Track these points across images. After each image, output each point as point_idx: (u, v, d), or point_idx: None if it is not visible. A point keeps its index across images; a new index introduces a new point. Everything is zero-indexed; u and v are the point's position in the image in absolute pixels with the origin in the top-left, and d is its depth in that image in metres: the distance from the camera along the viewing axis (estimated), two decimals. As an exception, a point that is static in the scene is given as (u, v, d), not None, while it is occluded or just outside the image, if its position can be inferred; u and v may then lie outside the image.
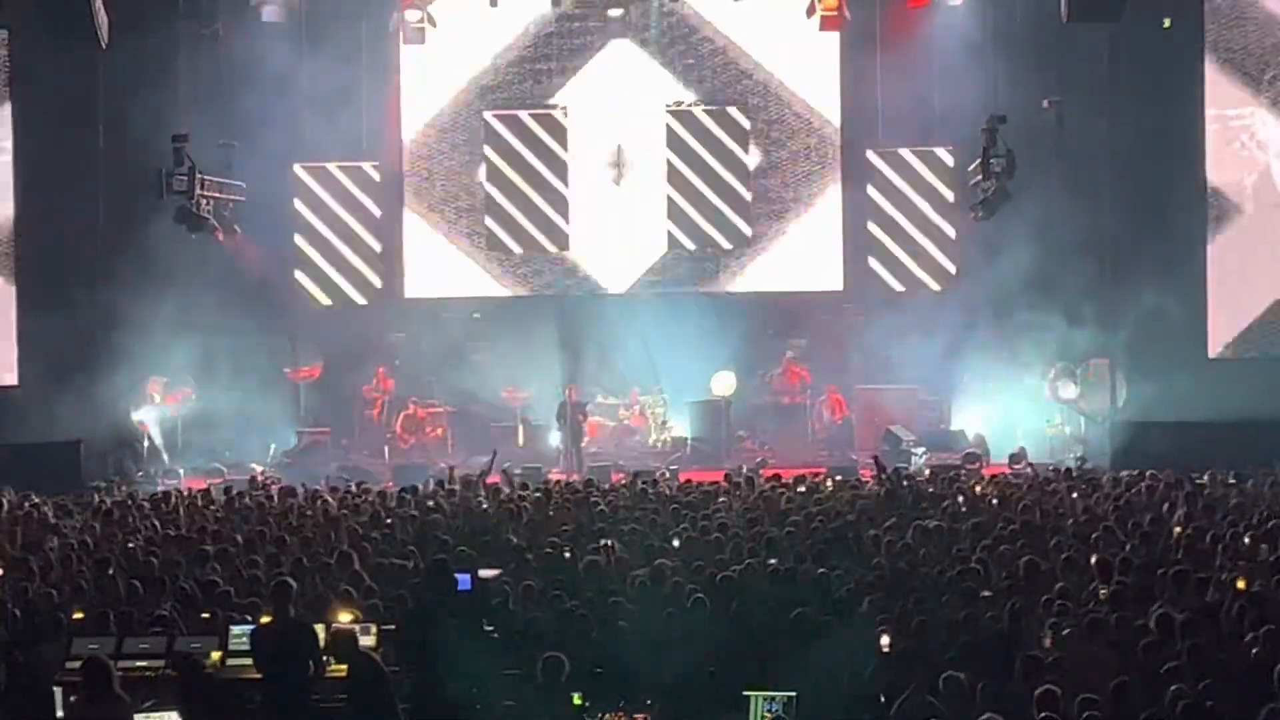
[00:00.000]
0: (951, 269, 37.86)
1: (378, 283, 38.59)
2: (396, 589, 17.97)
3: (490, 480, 28.22)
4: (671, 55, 38.43)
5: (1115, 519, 21.75)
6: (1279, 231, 35.92)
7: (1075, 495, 24.78)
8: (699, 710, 14.72)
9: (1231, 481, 25.88)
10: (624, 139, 38.50)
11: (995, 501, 24.61)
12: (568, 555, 19.99)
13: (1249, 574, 17.63)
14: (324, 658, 15.29)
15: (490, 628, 16.20)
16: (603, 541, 20.47)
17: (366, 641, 16.06)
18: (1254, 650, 14.56)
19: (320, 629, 15.65)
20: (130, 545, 21.45)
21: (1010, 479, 28.10)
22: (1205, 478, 25.97)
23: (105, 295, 35.19)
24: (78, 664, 15.17)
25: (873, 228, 38.18)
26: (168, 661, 15.56)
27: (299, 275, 38.46)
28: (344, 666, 15.00)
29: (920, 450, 33.83)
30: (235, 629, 16.27)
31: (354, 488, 27.40)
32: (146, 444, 34.99)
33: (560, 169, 38.53)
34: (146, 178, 33.64)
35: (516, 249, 38.65)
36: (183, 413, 35.86)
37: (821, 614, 16.39)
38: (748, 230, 38.44)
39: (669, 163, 38.40)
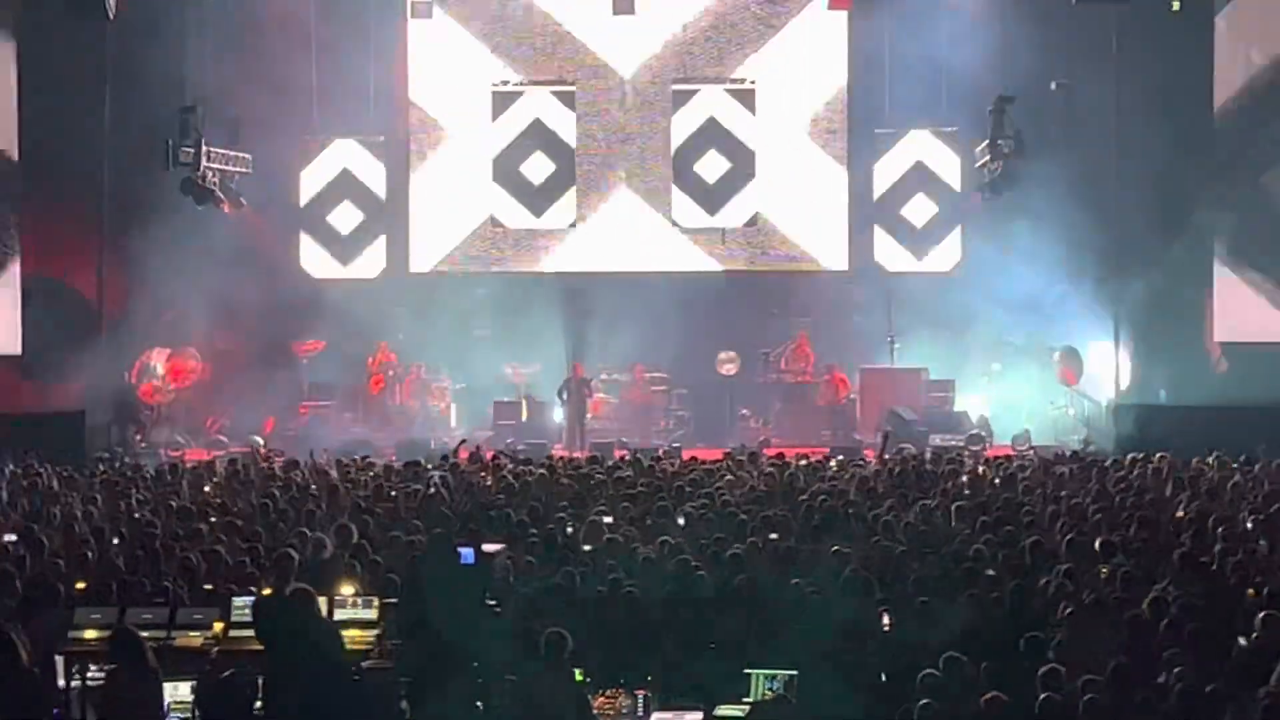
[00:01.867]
0: (957, 250, 37.86)
1: (383, 257, 38.59)
2: (399, 562, 17.99)
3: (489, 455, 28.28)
4: (678, 32, 38.36)
5: (1119, 501, 21.74)
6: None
7: (1079, 478, 24.77)
8: (700, 687, 14.72)
9: (1235, 465, 25.85)
10: (631, 116, 38.48)
11: (998, 482, 24.59)
12: (570, 531, 20.03)
13: (1254, 560, 17.63)
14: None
15: (493, 602, 16.19)
16: (605, 518, 20.51)
17: (369, 615, 16.11)
18: (1253, 635, 14.56)
19: (323, 601, 15.66)
20: (134, 516, 21.48)
21: (1014, 461, 28.08)
22: (1209, 461, 25.94)
23: (110, 266, 35.22)
24: (81, 634, 15.26)
25: (879, 207, 38.16)
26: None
27: (304, 248, 38.46)
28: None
29: (924, 431, 33.85)
30: (237, 600, 16.28)
31: (358, 461, 27.40)
32: (150, 415, 34.95)
33: (568, 145, 38.48)
34: (153, 148, 33.64)
35: (523, 225, 38.62)
36: (187, 384, 35.83)
37: (823, 593, 16.39)
38: (753, 209, 38.40)
39: (676, 140, 38.35)
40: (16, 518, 21.45)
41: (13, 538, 19.37)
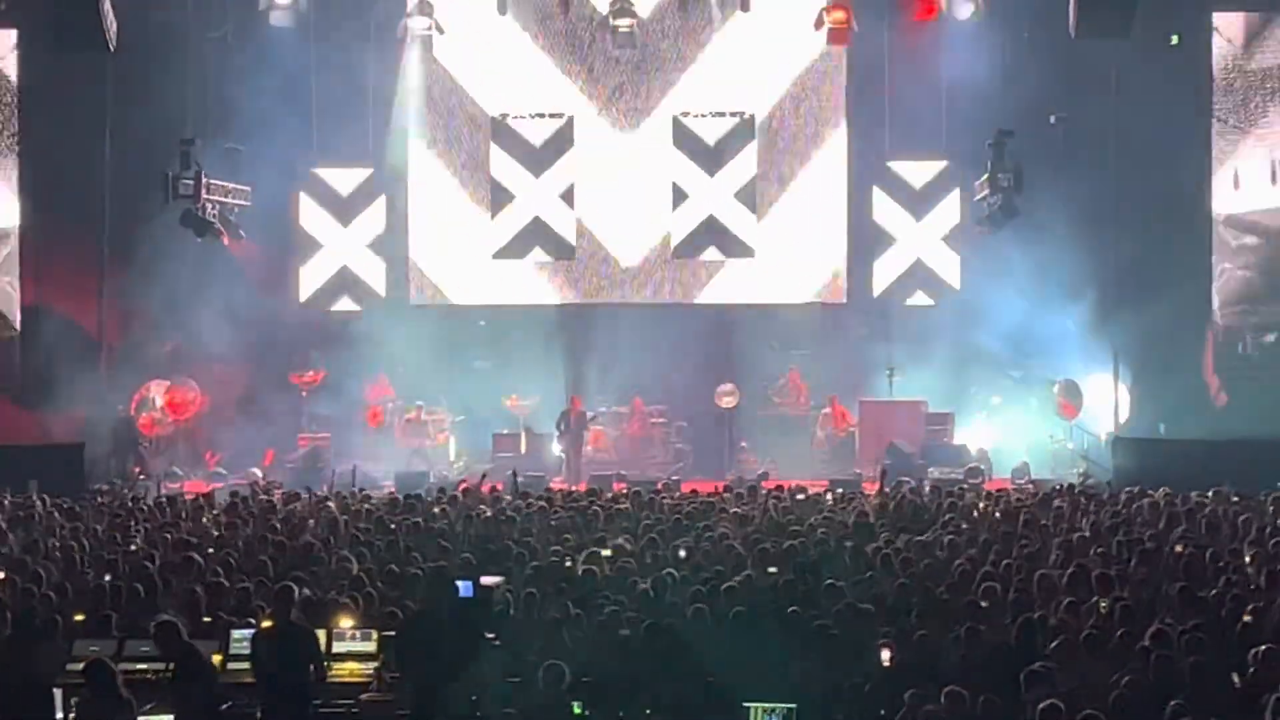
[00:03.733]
0: (957, 282, 37.87)
1: (383, 288, 38.59)
2: (398, 595, 17.97)
3: (485, 487, 28.25)
4: (680, 65, 38.44)
5: (1118, 535, 21.72)
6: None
7: (1078, 511, 24.75)
8: (699, 720, 14.71)
9: (1235, 499, 25.84)
10: (630, 147, 38.56)
11: (998, 516, 24.58)
12: (569, 564, 20.01)
13: (1252, 594, 17.60)
14: (324, 662, 15.30)
15: (491, 635, 16.18)
16: (603, 550, 20.50)
17: (368, 647, 16.11)
18: (1253, 668, 14.55)
19: (321, 634, 15.66)
20: (132, 548, 21.45)
21: (1013, 494, 28.07)
22: (1208, 495, 25.92)
23: (110, 297, 35.24)
24: (79, 666, 15.22)
25: (878, 241, 38.19)
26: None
27: (303, 279, 38.46)
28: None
29: (922, 464, 33.81)
30: (236, 633, 16.26)
31: (356, 493, 27.37)
32: (149, 447, 34.94)
33: (567, 177, 38.52)
34: (153, 181, 33.64)
35: (522, 257, 38.66)
36: (186, 416, 35.84)
37: (822, 626, 16.37)
38: (753, 241, 38.44)
39: (675, 172, 38.39)
40: (11, 551, 21.38)
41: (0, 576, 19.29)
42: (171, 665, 14.84)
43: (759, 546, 20.63)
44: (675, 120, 38.46)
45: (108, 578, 19.30)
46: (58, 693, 14.64)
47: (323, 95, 36.99)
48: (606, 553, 20.55)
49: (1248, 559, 20.07)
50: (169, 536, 22.39)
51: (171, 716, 14.15)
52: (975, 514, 25.00)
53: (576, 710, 14.37)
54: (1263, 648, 14.77)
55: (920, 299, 38.06)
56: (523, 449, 36.01)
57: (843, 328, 37.99)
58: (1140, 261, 34.97)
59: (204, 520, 24.57)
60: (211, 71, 36.11)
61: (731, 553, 20.30)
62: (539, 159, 38.52)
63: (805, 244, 38.53)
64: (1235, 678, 14.58)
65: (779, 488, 27.69)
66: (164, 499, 27.34)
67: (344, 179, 38.37)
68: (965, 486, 29.94)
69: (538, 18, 38.31)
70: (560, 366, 36.99)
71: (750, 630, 16.45)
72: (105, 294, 35.40)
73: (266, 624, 15.76)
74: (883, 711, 14.47)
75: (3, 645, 16.02)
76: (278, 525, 23.09)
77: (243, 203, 35.40)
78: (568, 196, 38.54)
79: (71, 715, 14.35)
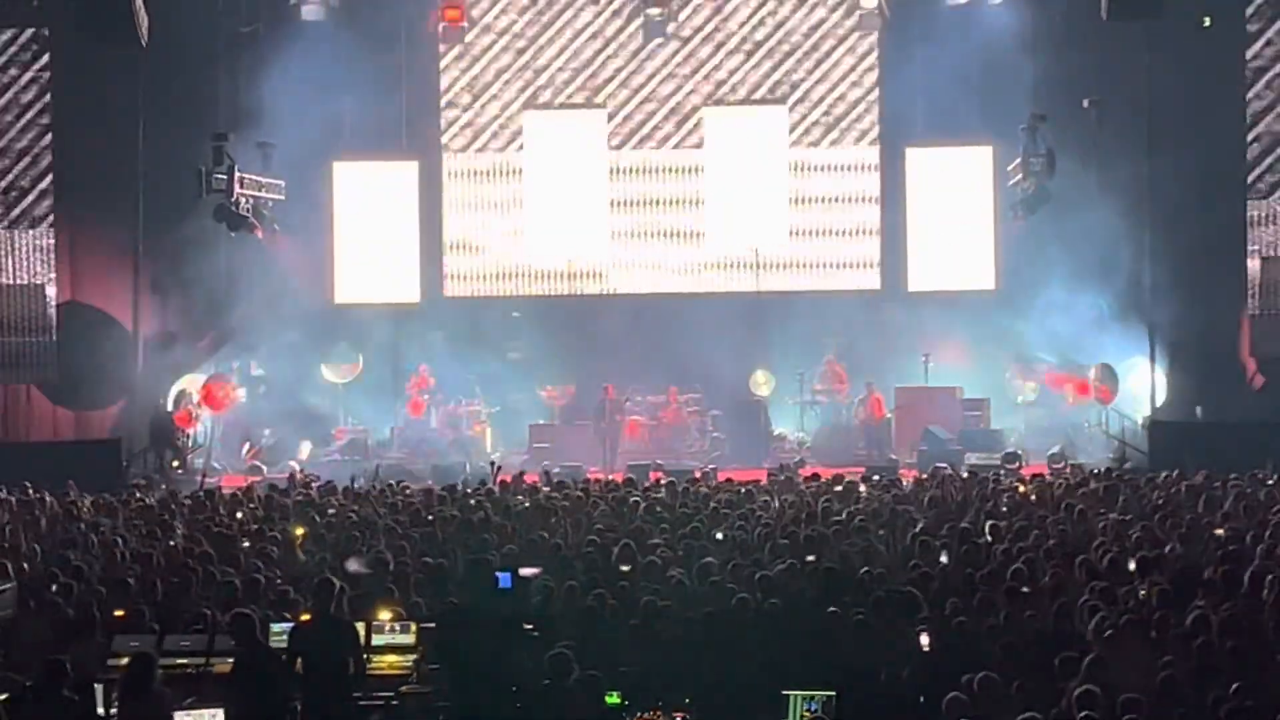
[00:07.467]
0: (991, 267, 37.76)
1: (417, 281, 38.62)
2: (437, 587, 17.99)
3: (527, 478, 28.27)
4: (711, 53, 38.42)
5: (1155, 519, 21.67)
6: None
7: (1115, 495, 24.68)
8: (738, 709, 14.68)
9: (1272, 481, 25.74)
10: (662, 135, 38.55)
11: (1035, 500, 24.53)
12: (607, 554, 19.98)
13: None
14: (364, 655, 15.31)
15: (530, 626, 16.18)
16: (632, 541, 20.49)
17: (407, 640, 16.13)
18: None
19: (361, 627, 15.67)
20: (171, 543, 21.51)
21: (1050, 479, 28.01)
22: (1246, 478, 25.82)
23: (145, 293, 35.32)
24: (119, 661, 15.27)
25: (912, 226, 38.11)
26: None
27: (338, 273, 38.51)
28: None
29: (960, 450, 33.75)
30: (275, 626, 16.25)
31: (394, 486, 27.42)
32: (186, 442, 35.03)
33: (600, 167, 38.50)
34: (186, 176, 33.72)
35: (557, 248, 38.64)
36: (223, 410, 35.92)
37: (861, 613, 16.35)
38: (787, 229, 38.37)
39: (708, 161, 38.34)
40: (52, 548, 21.47)
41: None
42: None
43: (797, 534, 20.62)
44: (707, 107, 38.44)
45: (151, 571, 19.36)
46: (99, 688, 14.68)
47: (355, 88, 36.99)
48: (648, 542, 20.53)
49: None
50: (208, 531, 22.44)
51: (220, 711, 14.12)
52: (1013, 499, 24.94)
53: (614, 700, 14.37)
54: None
55: (954, 284, 37.91)
56: (558, 439, 36.00)
57: (877, 314, 37.87)
58: (1175, 244, 34.82)
59: (239, 514, 24.61)
60: (244, 66, 36.15)
61: (770, 541, 20.29)
62: (571, 149, 38.49)
63: (839, 231, 38.49)
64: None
65: (816, 475, 27.67)
66: (202, 493, 27.39)
67: (377, 171, 38.48)
68: (1002, 472, 29.92)
69: (570, 7, 38.34)
70: (594, 356, 36.99)
71: (789, 618, 16.44)
72: (140, 289, 35.49)
73: (306, 617, 15.77)
74: (922, 698, 14.45)
75: (44, 641, 16.07)
76: (316, 518, 23.14)
77: (276, 196, 35.48)
78: (600, 185, 38.50)
79: (113, 711, 14.39)
